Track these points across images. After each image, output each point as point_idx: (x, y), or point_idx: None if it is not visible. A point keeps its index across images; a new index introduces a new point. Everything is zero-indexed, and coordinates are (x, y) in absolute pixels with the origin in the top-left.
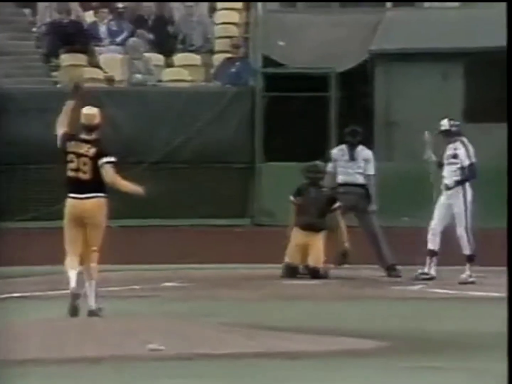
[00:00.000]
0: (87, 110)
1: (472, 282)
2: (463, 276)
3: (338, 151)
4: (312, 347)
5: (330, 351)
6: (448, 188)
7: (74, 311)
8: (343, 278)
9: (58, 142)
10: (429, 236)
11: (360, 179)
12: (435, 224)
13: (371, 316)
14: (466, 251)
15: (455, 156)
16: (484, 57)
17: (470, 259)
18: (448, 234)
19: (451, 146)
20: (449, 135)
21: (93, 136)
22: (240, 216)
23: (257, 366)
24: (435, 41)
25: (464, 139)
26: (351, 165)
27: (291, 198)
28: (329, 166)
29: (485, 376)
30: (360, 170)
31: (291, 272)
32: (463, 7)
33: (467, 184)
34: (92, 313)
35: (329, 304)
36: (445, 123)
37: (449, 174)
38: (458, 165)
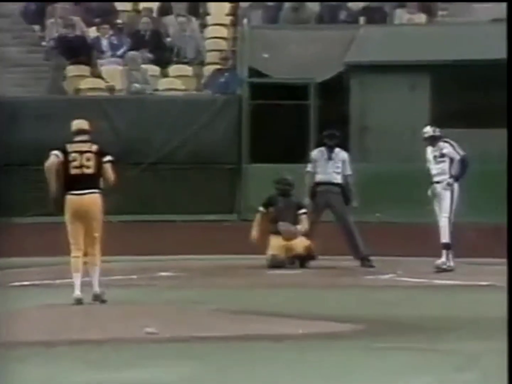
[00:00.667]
0: (77, 121)
1: (448, 269)
2: (438, 262)
3: (317, 153)
4: (294, 330)
5: (310, 333)
6: (439, 184)
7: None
8: (322, 268)
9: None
10: (443, 231)
11: (337, 178)
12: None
13: (347, 302)
14: (445, 239)
15: (442, 155)
16: (448, 69)
17: (447, 247)
18: (425, 227)
19: (435, 148)
20: (433, 140)
21: (89, 137)
22: (229, 212)
23: (244, 347)
24: (404, 54)
25: (447, 139)
26: (329, 165)
27: (261, 209)
28: (309, 167)
29: (451, 356)
30: (338, 170)
31: (277, 263)
32: (430, 23)
33: (455, 183)
34: (96, 297)
35: (309, 291)
36: (428, 130)
37: (440, 172)
38: (447, 163)
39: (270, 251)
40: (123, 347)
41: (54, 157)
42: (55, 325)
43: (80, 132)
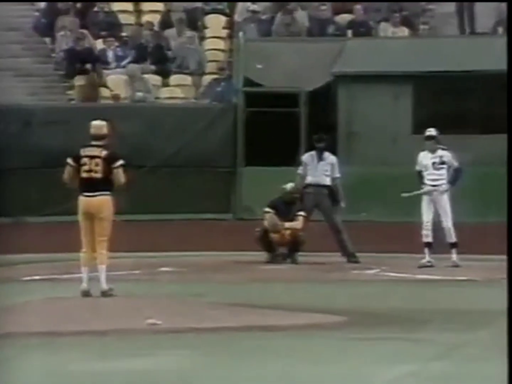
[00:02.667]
0: (96, 122)
1: (458, 266)
2: (453, 260)
3: (308, 156)
4: (285, 321)
5: (299, 324)
6: (445, 190)
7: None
8: (312, 264)
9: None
10: (424, 232)
11: (326, 180)
12: (427, 221)
13: (334, 295)
14: (451, 239)
15: (443, 162)
16: (429, 80)
17: (455, 245)
18: (407, 225)
19: (434, 155)
20: (434, 141)
21: (103, 142)
22: (225, 211)
23: (240, 337)
24: (388, 65)
25: (444, 147)
26: (319, 168)
27: (268, 210)
28: (300, 169)
29: (430, 345)
30: (327, 173)
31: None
32: (412, 37)
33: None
34: (104, 294)
35: (299, 285)
36: (432, 130)
37: (440, 178)
38: (445, 169)
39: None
40: (126, 337)
41: (68, 168)
42: (61, 316)
43: (95, 137)
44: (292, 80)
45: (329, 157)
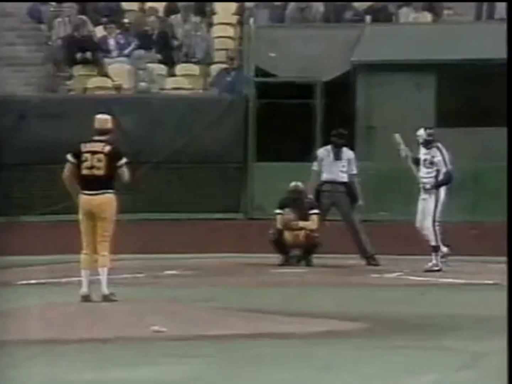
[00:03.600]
0: (100, 116)
1: (437, 270)
2: (429, 264)
3: (323, 151)
4: (299, 328)
5: (315, 332)
6: (425, 189)
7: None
8: (328, 266)
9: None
10: (428, 234)
11: (343, 177)
12: (419, 221)
13: (353, 300)
14: (432, 242)
15: (432, 162)
16: (454, 68)
17: (435, 249)
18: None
19: (427, 151)
20: (427, 143)
21: (106, 137)
22: (235, 210)
23: (251, 345)
24: (409, 53)
25: (440, 145)
26: (335, 164)
27: (278, 211)
28: (315, 165)
29: (456, 354)
30: (343, 169)
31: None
32: (435, 23)
33: (443, 187)
34: (105, 298)
35: (315, 289)
36: (421, 133)
37: (427, 176)
38: (435, 170)
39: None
40: (129, 345)
41: (68, 164)
42: (61, 323)
43: (98, 132)
44: (307, 70)
45: (347, 152)
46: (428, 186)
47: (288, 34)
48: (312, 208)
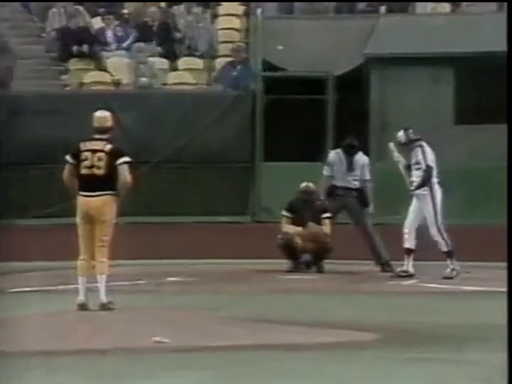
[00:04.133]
0: (99, 113)
1: (454, 277)
2: (447, 271)
3: (335, 156)
4: (309, 339)
5: (326, 343)
6: (411, 191)
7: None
8: (340, 273)
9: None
10: (405, 236)
11: (355, 185)
12: (408, 224)
13: (366, 309)
14: (443, 248)
15: (418, 162)
16: (474, 61)
17: (449, 255)
18: (451, 229)
19: (413, 153)
20: (408, 144)
21: (107, 136)
22: (241, 213)
23: (257, 357)
24: (427, 46)
25: (423, 143)
26: (349, 173)
27: (285, 213)
28: (326, 170)
29: (477, 367)
30: (356, 177)
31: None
32: (454, 13)
33: (436, 186)
34: (104, 307)
35: (326, 297)
36: (401, 136)
37: (416, 179)
38: (421, 170)
39: (284, 229)
40: (129, 357)
41: (67, 166)
42: (57, 333)
43: (98, 130)
44: (318, 64)
45: (360, 159)
46: (413, 188)
47: (297, 25)
48: (324, 211)
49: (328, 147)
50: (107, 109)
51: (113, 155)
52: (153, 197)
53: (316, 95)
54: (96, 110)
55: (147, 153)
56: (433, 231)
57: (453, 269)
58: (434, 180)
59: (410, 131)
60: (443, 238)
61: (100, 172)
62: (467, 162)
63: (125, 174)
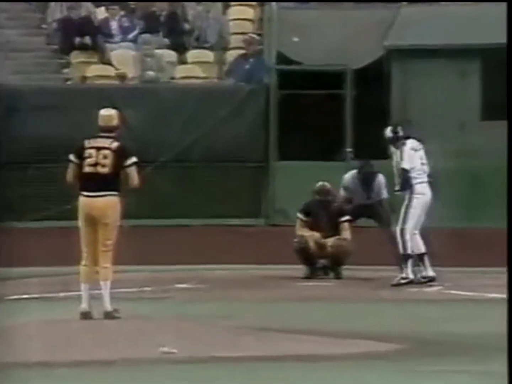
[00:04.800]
0: (105, 111)
1: (408, 283)
2: (396, 278)
3: (350, 179)
4: (327, 349)
5: (345, 354)
6: (394, 191)
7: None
8: (360, 279)
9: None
10: (408, 243)
11: (373, 201)
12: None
13: (387, 318)
14: (400, 250)
15: (398, 163)
16: (501, 53)
17: (403, 260)
18: (479, 232)
19: (398, 152)
20: (394, 142)
21: (113, 134)
22: (254, 216)
23: (271, 369)
24: (451, 37)
25: (407, 142)
26: (363, 191)
27: (300, 216)
28: (342, 191)
29: (503, 379)
30: (372, 196)
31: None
32: (481, 2)
33: (418, 189)
34: (108, 315)
35: (345, 305)
36: (387, 132)
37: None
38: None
39: (299, 232)
40: (135, 368)
41: (71, 165)
42: (58, 343)
43: (103, 129)
44: (336, 56)
45: (376, 178)
46: (396, 189)
47: (314, 16)
48: (342, 214)
49: (346, 145)
50: (112, 105)
51: (120, 153)
52: (159, 198)
53: (333, 90)
54: (99, 105)
55: (153, 152)
56: (397, 230)
57: (403, 278)
58: (417, 181)
59: (399, 127)
60: (402, 241)
61: (104, 170)
62: (495, 160)
63: (134, 176)
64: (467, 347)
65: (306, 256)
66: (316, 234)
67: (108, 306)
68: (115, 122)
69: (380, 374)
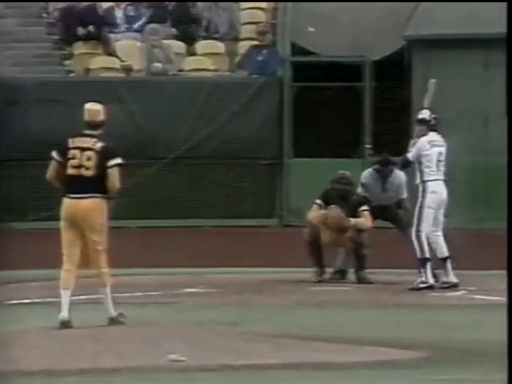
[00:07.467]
0: (91, 105)
1: (428, 288)
2: (416, 281)
3: (368, 176)
4: (344, 357)
5: (363, 362)
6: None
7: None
8: (378, 283)
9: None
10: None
11: (391, 202)
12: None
13: (407, 324)
14: (417, 254)
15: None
16: None
17: (420, 264)
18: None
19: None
20: (424, 125)
21: (98, 132)
22: (267, 216)
23: (285, 378)
24: (476, 26)
25: (429, 134)
26: (382, 190)
27: (318, 202)
28: (359, 189)
29: None
30: (392, 200)
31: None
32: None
33: (431, 187)
34: (113, 321)
35: (362, 311)
36: (424, 114)
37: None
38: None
39: (309, 218)
40: (142, 377)
41: (52, 163)
42: (61, 350)
43: (89, 125)
44: (354, 47)
45: (396, 176)
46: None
47: (330, 5)
48: (362, 204)
49: (365, 140)
50: (114, 98)
51: (104, 154)
52: (168, 198)
53: (351, 82)
54: (104, 100)
55: (161, 149)
56: (412, 231)
57: (423, 282)
58: (431, 178)
59: (435, 115)
60: (418, 244)
61: (88, 173)
62: None
63: (115, 178)
64: (492, 355)
65: (316, 250)
66: (333, 211)
67: (112, 311)
68: (101, 117)
69: (399, 382)
